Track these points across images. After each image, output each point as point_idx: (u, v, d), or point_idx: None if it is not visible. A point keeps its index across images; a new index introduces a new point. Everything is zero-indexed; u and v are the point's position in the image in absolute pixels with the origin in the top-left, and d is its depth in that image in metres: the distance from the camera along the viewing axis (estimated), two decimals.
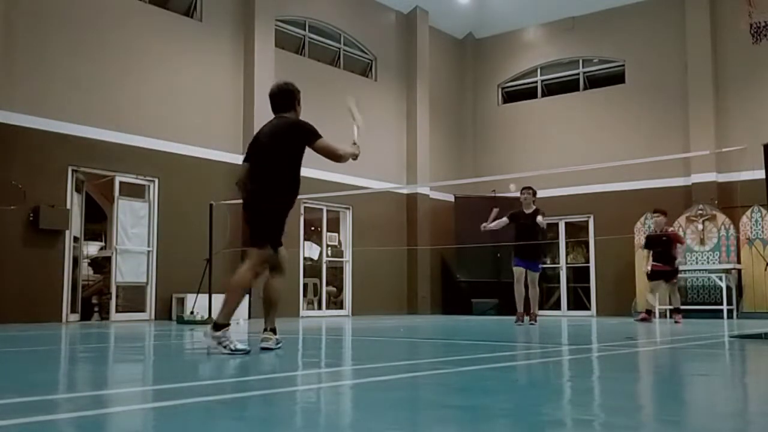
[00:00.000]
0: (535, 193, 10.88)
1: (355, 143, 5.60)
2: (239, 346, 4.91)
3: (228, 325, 4.96)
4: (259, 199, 5.23)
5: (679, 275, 14.53)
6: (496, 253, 16.20)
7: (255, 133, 5.60)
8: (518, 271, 10.51)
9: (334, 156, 5.40)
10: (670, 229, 12.71)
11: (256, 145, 5.41)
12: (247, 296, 13.37)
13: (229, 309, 5.06)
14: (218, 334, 4.87)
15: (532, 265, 10.47)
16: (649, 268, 11.81)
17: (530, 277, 10.46)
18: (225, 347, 4.85)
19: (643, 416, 2.69)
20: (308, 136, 5.30)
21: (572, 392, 3.39)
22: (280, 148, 5.27)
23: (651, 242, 11.96)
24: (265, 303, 5.52)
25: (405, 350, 6.29)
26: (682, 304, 13.55)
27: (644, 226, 14.59)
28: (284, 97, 5.49)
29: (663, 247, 11.68)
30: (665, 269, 11.63)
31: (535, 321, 10.38)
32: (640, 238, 15.04)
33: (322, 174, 14.78)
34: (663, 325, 10.39)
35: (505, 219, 10.76)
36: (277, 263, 5.46)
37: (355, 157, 5.54)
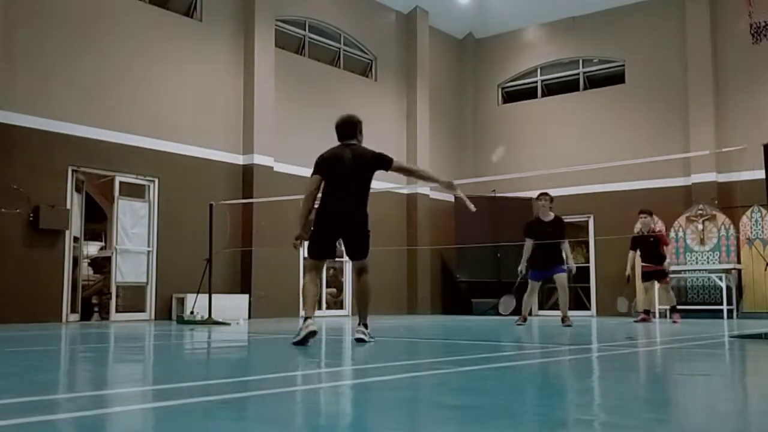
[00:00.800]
0: (552, 200, 10.54)
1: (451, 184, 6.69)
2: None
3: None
4: (362, 220, 6.18)
5: (680, 275, 14.58)
6: (496, 253, 16.21)
7: (323, 155, 6.27)
8: (535, 285, 10.42)
9: (411, 172, 7.04)
10: (657, 229, 12.73)
11: (340, 168, 6.14)
12: (247, 297, 13.49)
13: (367, 311, 6.36)
14: (367, 330, 6.22)
15: (557, 270, 10.18)
16: (629, 271, 11.85)
17: (559, 282, 10.23)
18: (372, 338, 6.24)
19: (643, 416, 2.69)
20: (388, 162, 6.27)
21: (572, 392, 3.39)
22: (369, 174, 6.23)
23: (638, 243, 11.96)
24: (360, 302, 6.51)
25: (405, 350, 6.29)
26: (683, 303, 13.54)
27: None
28: (350, 128, 6.37)
29: (651, 247, 11.71)
30: (656, 269, 11.65)
31: (569, 323, 9.93)
32: None
33: None
34: (663, 325, 10.39)
35: (529, 242, 10.34)
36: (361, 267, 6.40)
37: (449, 185, 6.64)
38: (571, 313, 13.81)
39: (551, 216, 10.40)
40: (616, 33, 17.13)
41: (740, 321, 12.26)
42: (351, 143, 6.30)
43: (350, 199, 6.13)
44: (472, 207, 6.59)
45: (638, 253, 11.96)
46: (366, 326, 6.24)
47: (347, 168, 6.14)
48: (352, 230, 6.18)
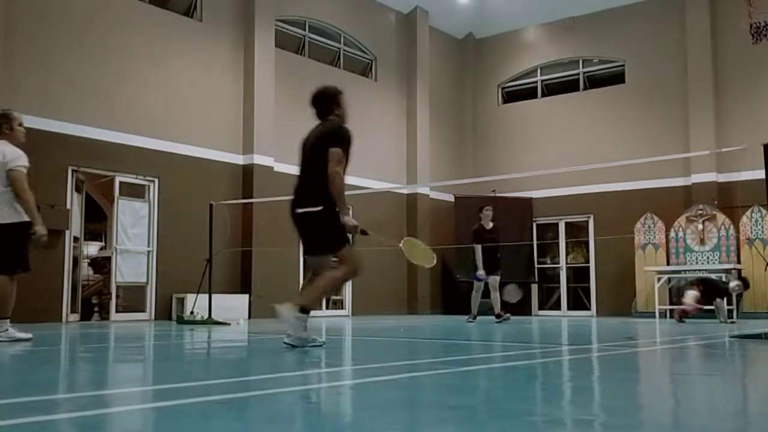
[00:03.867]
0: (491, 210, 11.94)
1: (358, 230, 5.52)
2: (318, 339, 5.29)
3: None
4: (311, 209, 5.29)
5: (680, 275, 14.57)
6: (496, 254, 16.19)
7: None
8: (480, 284, 11.66)
9: (329, 170, 5.25)
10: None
11: (302, 151, 5.56)
12: (247, 297, 13.46)
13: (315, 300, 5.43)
14: (302, 316, 5.22)
15: (497, 273, 11.66)
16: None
17: (494, 282, 11.60)
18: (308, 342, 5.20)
19: (643, 416, 2.69)
20: (331, 139, 5.31)
21: (572, 392, 3.39)
22: (317, 153, 5.33)
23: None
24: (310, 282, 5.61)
25: (405, 350, 6.29)
26: (683, 303, 13.51)
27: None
28: (321, 102, 5.56)
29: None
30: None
31: (506, 317, 11.55)
32: (639, 239, 15.07)
33: None
34: (663, 325, 10.39)
35: (478, 247, 11.62)
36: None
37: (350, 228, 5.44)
38: (571, 313, 14.07)
39: (491, 224, 11.77)
40: (616, 33, 17.13)
41: (740, 321, 12.26)
42: (327, 119, 5.55)
43: (300, 183, 5.47)
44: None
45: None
46: (299, 309, 5.27)
47: (305, 150, 5.50)
48: (299, 221, 5.42)
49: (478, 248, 11.55)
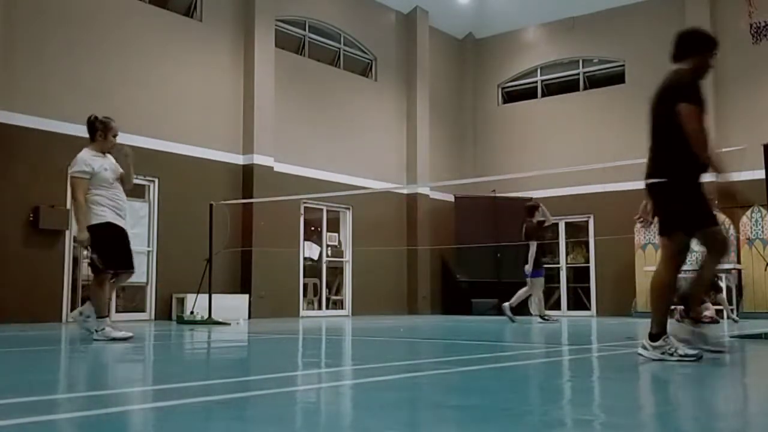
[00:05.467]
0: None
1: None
2: (688, 351, 4.48)
3: (663, 332, 4.52)
4: (656, 182, 4.56)
5: (680, 275, 14.56)
6: (496, 253, 16.21)
7: None
8: (536, 281, 11.35)
9: (685, 130, 4.48)
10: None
11: (649, 113, 4.73)
12: (247, 297, 13.44)
13: (655, 315, 4.58)
14: (657, 344, 4.49)
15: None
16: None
17: (537, 282, 11.39)
18: (671, 354, 4.44)
19: (643, 416, 2.69)
20: (677, 93, 4.45)
21: (572, 392, 3.39)
22: (660, 113, 4.55)
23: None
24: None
25: (405, 350, 6.29)
26: (679, 303, 13.53)
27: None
28: (679, 44, 4.63)
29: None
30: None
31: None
32: (639, 239, 15.06)
33: (322, 174, 14.79)
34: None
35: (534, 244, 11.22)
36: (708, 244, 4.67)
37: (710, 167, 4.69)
38: (571, 313, 14.07)
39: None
40: (616, 33, 17.13)
41: (740, 321, 12.25)
42: (674, 69, 4.65)
43: (649, 149, 4.70)
44: None
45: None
46: (652, 337, 4.51)
47: (651, 109, 4.67)
48: (649, 194, 4.75)
49: (534, 245, 11.17)
